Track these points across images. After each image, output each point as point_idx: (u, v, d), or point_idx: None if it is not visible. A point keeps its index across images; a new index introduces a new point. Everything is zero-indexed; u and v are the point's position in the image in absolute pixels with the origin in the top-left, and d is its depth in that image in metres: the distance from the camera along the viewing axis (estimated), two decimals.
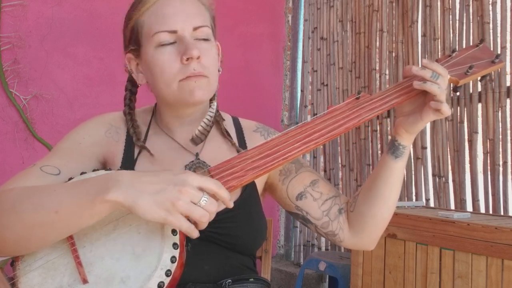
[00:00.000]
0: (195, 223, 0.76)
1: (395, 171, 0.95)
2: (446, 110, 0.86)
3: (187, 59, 0.89)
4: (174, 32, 0.90)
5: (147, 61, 0.92)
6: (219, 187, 0.76)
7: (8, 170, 2.30)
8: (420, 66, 0.88)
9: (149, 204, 0.72)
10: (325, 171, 3.00)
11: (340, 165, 2.88)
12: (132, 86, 1.00)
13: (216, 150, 1.01)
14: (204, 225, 0.76)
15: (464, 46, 2.26)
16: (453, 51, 0.96)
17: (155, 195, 0.72)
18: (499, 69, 2.12)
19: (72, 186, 0.78)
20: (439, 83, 0.86)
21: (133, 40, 0.94)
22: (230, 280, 0.94)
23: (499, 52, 2.14)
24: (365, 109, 0.89)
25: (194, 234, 0.75)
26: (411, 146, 0.95)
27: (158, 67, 0.90)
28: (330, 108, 0.89)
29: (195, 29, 0.91)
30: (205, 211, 0.74)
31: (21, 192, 0.79)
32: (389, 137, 2.61)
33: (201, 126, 0.99)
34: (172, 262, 0.76)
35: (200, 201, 0.73)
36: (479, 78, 0.96)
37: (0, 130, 2.34)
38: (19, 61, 2.38)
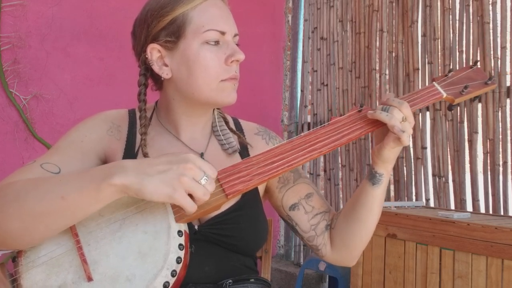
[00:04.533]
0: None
1: (373, 197, 0.96)
2: (404, 140, 0.87)
3: (232, 61, 0.92)
4: (223, 33, 0.93)
5: (188, 55, 0.92)
6: (216, 176, 0.78)
7: (8, 170, 2.29)
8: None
9: (155, 184, 0.72)
10: (325, 171, 3.00)
11: (340, 165, 2.88)
12: (145, 80, 0.98)
13: (219, 151, 1.02)
14: (200, 202, 0.76)
15: (464, 47, 2.27)
16: (450, 71, 1.00)
17: (161, 175, 0.73)
18: (499, 69, 2.13)
19: (78, 174, 0.78)
20: (391, 112, 0.87)
21: (171, 32, 0.92)
22: (230, 281, 0.95)
23: (499, 51, 2.14)
24: (367, 121, 0.92)
25: (193, 210, 0.75)
26: (391, 173, 0.98)
27: (202, 63, 0.91)
28: (333, 119, 0.92)
29: (235, 35, 0.96)
30: (206, 189, 0.75)
31: (26, 183, 0.79)
32: None
33: (229, 137, 1.02)
34: (178, 262, 0.77)
35: (202, 179, 0.75)
36: (472, 98, 1.01)
37: (0, 130, 2.34)
38: (19, 61, 2.38)
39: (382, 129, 0.92)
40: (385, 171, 0.95)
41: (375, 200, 0.96)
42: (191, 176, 0.74)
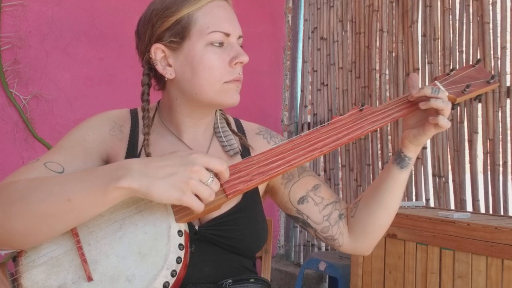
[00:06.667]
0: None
1: (399, 181, 0.98)
2: (446, 124, 0.91)
3: (236, 63, 0.93)
4: (228, 35, 0.93)
5: (192, 56, 0.92)
6: (225, 167, 0.79)
7: (8, 170, 2.30)
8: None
9: (164, 188, 0.73)
10: (325, 171, 3.00)
11: (340, 165, 2.88)
12: (149, 80, 0.97)
13: (221, 153, 1.02)
14: (207, 202, 0.78)
15: (464, 47, 2.27)
16: (452, 70, 0.99)
17: (168, 178, 0.74)
18: (499, 69, 2.13)
19: (83, 175, 0.78)
20: (441, 97, 0.90)
21: (175, 33, 0.92)
22: (230, 281, 0.95)
23: (499, 52, 2.14)
24: (368, 121, 0.92)
25: (201, 210, 0.77)
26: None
27: (207, 65, 0.91)
28: (334, 118, 0.92)
29: (239, 37, 0.96)
30: (212, 190, 0.76)
31: (30, 183, 0.78)
32: (389, 137, 2.61)
33: (231, 139, 1.02)
34: (178, 262, 0.77)
35: (208, 180, 0.76)
36: (474, 97, 1.00)
37: (0, 130, 2.34)
38: (19, 61, 2.38)
39: (415, 114, 0.94)
40: (414, 154, 0.97)
41: (401, 184, 0.98)
42: (198, 178, 0.75)
